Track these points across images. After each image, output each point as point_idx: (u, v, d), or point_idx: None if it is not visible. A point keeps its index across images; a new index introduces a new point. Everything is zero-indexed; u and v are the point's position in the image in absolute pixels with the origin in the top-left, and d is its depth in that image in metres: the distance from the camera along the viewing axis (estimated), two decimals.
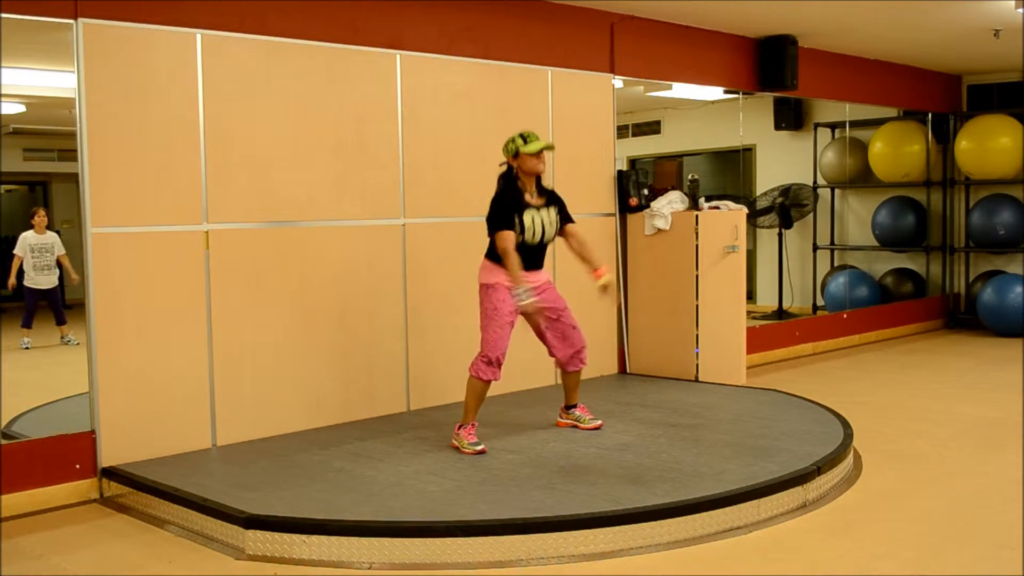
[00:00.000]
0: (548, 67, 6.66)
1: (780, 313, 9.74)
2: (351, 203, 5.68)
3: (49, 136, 5.94)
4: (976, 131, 9.89)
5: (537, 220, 4.98)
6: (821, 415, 5.67)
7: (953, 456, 5.32)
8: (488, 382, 4.92)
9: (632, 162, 8.94)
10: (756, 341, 8.10)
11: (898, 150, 10.26)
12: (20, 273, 6.30)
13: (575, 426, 5.43)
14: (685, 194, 7.09)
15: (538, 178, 5.08)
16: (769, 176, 10.06)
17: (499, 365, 4.91)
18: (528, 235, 4.96)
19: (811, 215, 10.24)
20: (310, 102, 5.49)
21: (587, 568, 3.74)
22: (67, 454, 4.72)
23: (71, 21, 4.64)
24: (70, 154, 4.72)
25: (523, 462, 4.73)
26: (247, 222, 5.27)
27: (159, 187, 4.94)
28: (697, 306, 6.88)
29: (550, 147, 5.03)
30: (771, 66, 8.11)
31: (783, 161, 10.25)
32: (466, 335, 5.87)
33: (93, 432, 4.78)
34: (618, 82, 7.16)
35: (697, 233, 6.86)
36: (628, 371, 7.24)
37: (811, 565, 3.76)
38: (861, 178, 10.45)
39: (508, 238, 4.87)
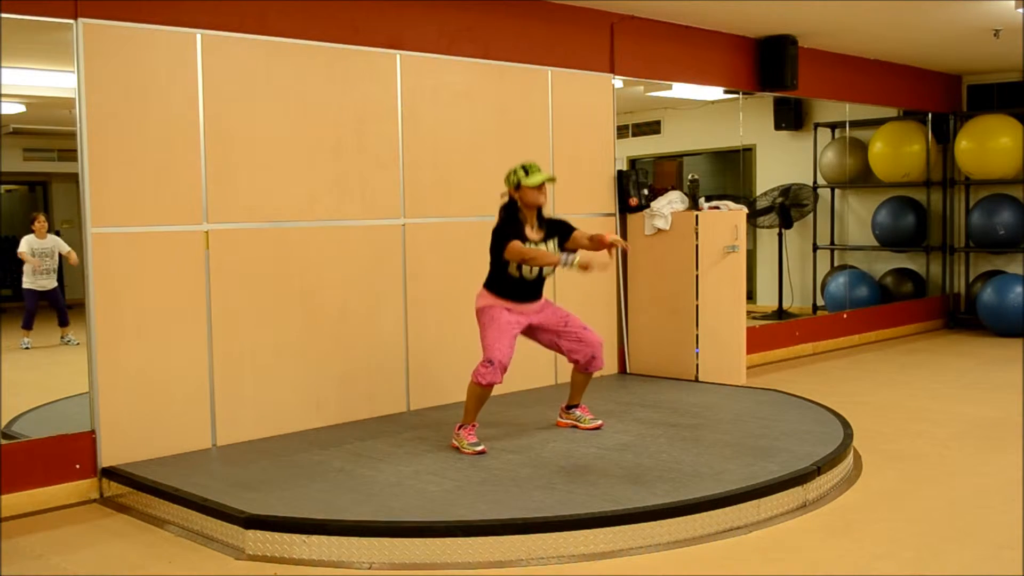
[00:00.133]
0: (548, 67, 6.66)
1: (780, 313, 9.74)
2: (351, 203, 5.68)
3: (49, 136, 5.95)
4: (976, 131, 9.89)
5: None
6: (821, 415, 5.67)
7: (953, 456, 5.32)
8: (488, 386, 4.91)
9: (632, 162, 8.94)
10: (756, 341, 8.10)
11: (898, 150, 10.26)
12: (20, 274, 6.30)
13: (575, 426, 5.43)
14: (685, 194, 7.09)
15: (539, 209, 5.08)
16: (769, 176, 10.06)
17: (502, 369, 4.89)
18: (526, 270, 4.97)
19: (811, 215, 10.25)
20: (310, 102, 5.49)
21: (587, 568, 3.74)
22: (67, 454, 4.72)
23: (71, 21, 4.64)
24: (70, 154, 4.72)
25: (523, 462, 4.73)
26: (247, 222, 5.27)
27: (159, 187, 4.94)
28: (697, 306, 6.88)
29: (551, 179, 5.03)
30: (771, 66, 8.11)
31: (783, 161, 10.25)
32: (466, 335, 5.87)
33: (93, 432, 4.78)
34: (618, 82, 7.16)
35: (697, 233, 6.86)
36: (628, 371, 7.24)
37: (811, 565, 3.76)
38: (861, 178, 10.45)
39: (518, 244, 4.88)
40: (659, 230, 7.01)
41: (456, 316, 6.06)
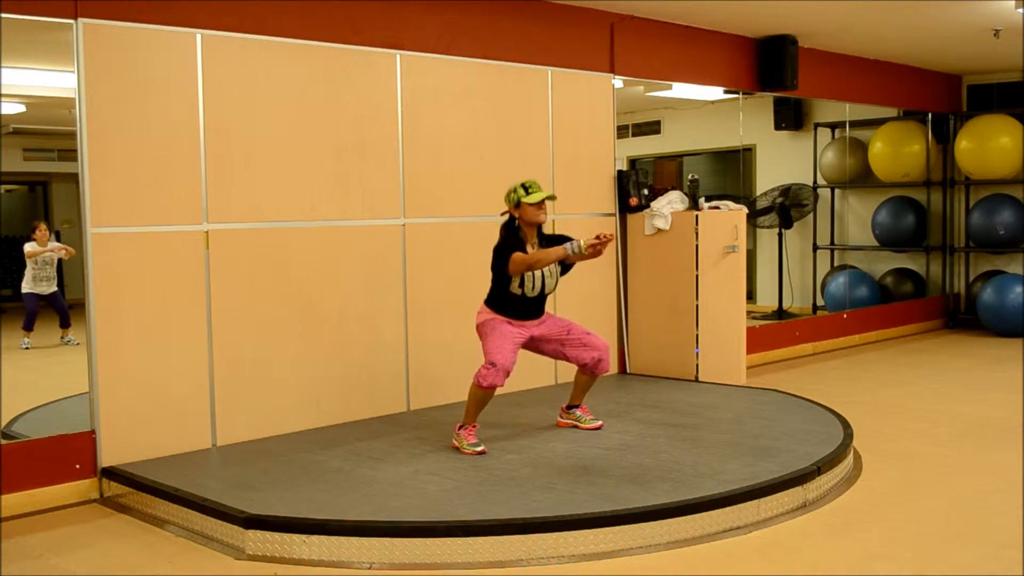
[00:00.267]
0: (548, 67, 6.66)
1: (780, 313, 9.74)
2: (351, 203, 5.68)
3: (49, 136, 5.95)
4: (976, 131, 9.89)
5: (537, 272, 4.99)
6: (821, 415, 5.67)
7: (953, 456, 5.32)
8: (489, 389, 4.90)
9: (632, 162, 8.94)
10: (756, 341, 8.10)
11: (898, 150, 10.26)
12: (20, 274, 6.31)
13: (575, 426, 5.43)
14: (685, 194, 7.09)
15: (539, 228, 5.08)
16: (769, 176, 10.06)
17: (504, 372, 4.88)
18: (528, 287, 4.98)
19: (811, 215, 10.24)
20: (310, 102, 5.49)
21: (587, 568, 3.74)
22: (67, 454, 4.72)
23: (71, 21, 4.64)
24: (70, 154, 4.72)
25: (523, 462, 4.73)
26: (247, 222, 5.27)
27: (159, 187, 4.94)
28: (697, 306, 6.88)
29: (551, 197, 5.03)
30: (771, 66, 8.11)
31: (783, 161, 10.25)
32: (466, 335, 5.87)
33: (93, 432, 4.78)
34: (618, 82, 7.16)
35: (697, 233, 6.86)
36: (628, 371, 7.24)
37: (811, 565, 3.76)
38: (861, 178, 10.45)
39: (521, 255, 4.88)
40: (659, 230, 7.01)
41: (456, 316, 6.06)
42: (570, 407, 5.48)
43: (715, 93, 8.32)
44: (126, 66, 4.82)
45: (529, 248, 5.01)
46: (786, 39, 8.04)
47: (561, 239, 5.13)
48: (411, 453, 4.94)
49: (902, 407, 6.58)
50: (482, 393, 4.92)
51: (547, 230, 5.24)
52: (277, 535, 3.86)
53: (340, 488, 4.36)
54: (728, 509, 4.08)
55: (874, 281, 10.48)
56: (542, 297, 5.09)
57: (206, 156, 5.09)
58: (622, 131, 7.84)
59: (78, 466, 4.75)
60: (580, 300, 6.65)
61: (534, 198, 4.95)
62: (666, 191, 7.20)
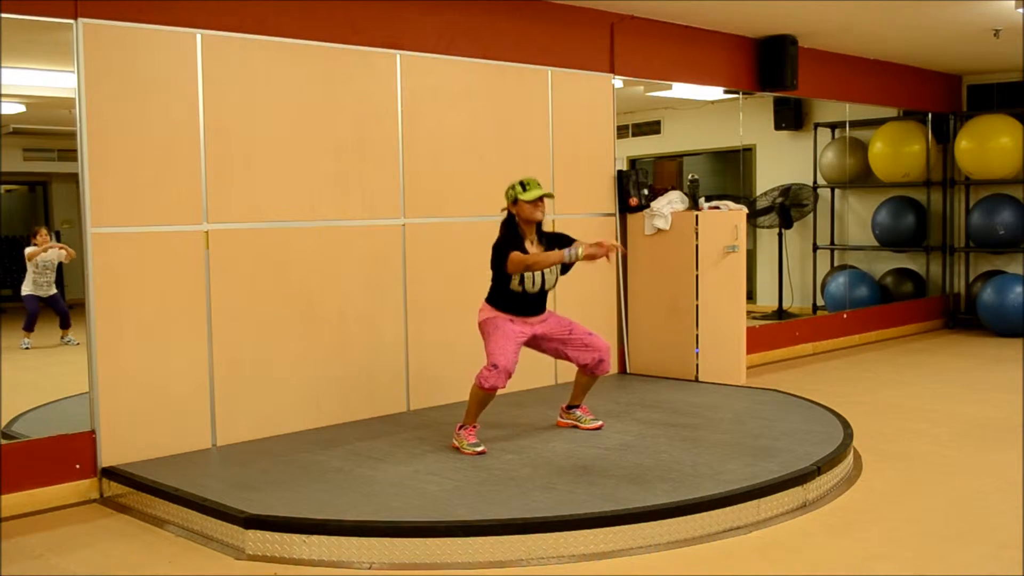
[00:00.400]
0: (548, 67, 6.66)
1: (780, 313, 9.74)
2: (351, 203, 5.68)
3: (49, 136, 5.94)
4: (976, 131, 9.89)
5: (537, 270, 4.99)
6: (821, 415, 5.67)
7: (953, 456, 5.32)
8: (490, 390, 4.90)
9: (632, 162, 8.94)
10: (756, 341, 8.10)
11: (898, 150, 10.26)
12: (20, 274, 6.31)
13: (575, 426, 5.43)
14: (685, 194, 7.09)
15: (538, 225, 5.08)
16: (769, 176, 10.06)
17: (506, 374, 4.87)
18: (528, 284, 4.97)
19: (811, 215, 10.24)
20: (310, 102, 5.49)
21: (587, 568, 3.74)
22: (67, 454, 4.72)
23: (71, 21, 4.64)
24: (70, 154, 4.72)
25: (523, 462, 4.73)
26: (247, 222, 5.27)
27: (159, 187, 4.94)
28: (697, 306, 6.88)
29: (548, 195, 5.01)
30: (771, 66, 8.11)
31: (783, 161, 10.25)
32: (466, 335, 5.87)
33: (93, 432, 4.78)
34: (618, 82, 7.16)
35: (697, 233, 6.86)
36: (628, 371, 7.24)
37: (811, 565, 3.76)
38: (861, 178, 10.45)
39: (519, 255, 4.88)
40: (659, 230, 7.01)
41: (456, 316, 6.06)
42: (570, 407, 5.48)
43: (715, 93, 8.32)
44: (126, 66, 4.82)
45: (528, 245, 5.01)
46: (786, 39, 8.04)
47: (561, 237, 5.13)
48: (411, 453, 4.94)
49: (902, 407, 6.58)
50: (483, 394, 4.92)
51: (547, 229, 5.23)
52: (277, 535, 3.86)
53: (340, 488, 4.36)
54: (728, 509, 4.08)
55: (874, 281, 10.48)
56: (543, 294, 5.09)
57: (206, 156, 5.09)
58: (622, 131, 7.84)
59: (78, 466, 4.75)
60: (580, 300, 6.64)
61: (530, 195, 4.95)
62: (666, 191, 7.20)
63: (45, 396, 5.64)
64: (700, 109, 9.07)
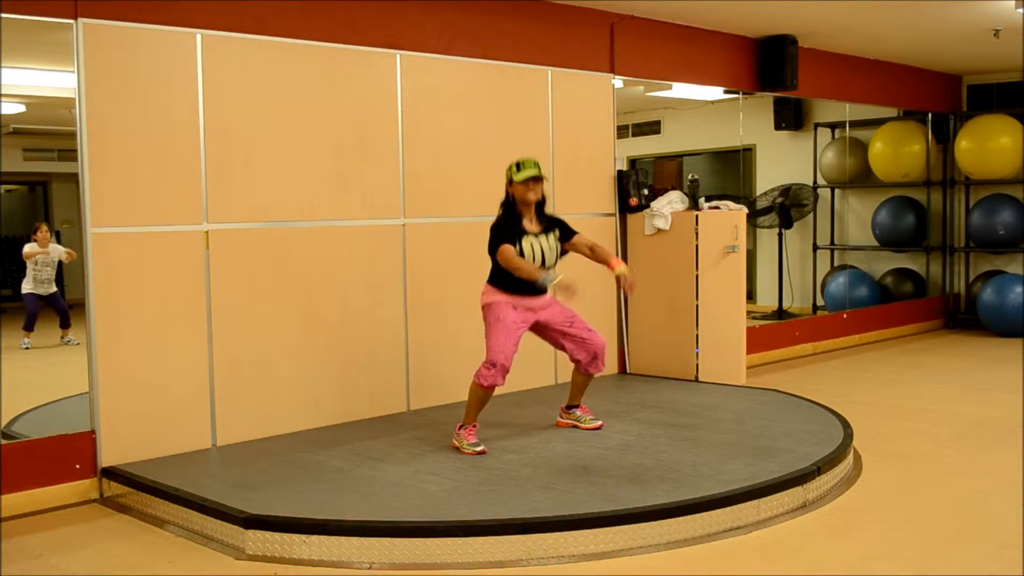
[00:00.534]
0: (548, 67, 6.66)
1: (780, 313, 9.74)
2: (351, 203, 5.68)
3: (49, 136, 5.94)
4: (976, 131, 9.89)
5: (536, 246, 4.98)
6: (821, 415, 5.67)
7: (953, 456, 5.32)
8: (489, 388, 4.91)
9: (632, 162, 8.94)
10: (756, 341, 8.10)
11: (898, 150, 10.26)
12: (20, 274, 6.31)
13: (575, 426, 5.43)
14: (685, 194, 7.09)
15: (539, 205, 5.07)
16: (769, 176, 10.06)
17: (503, 372, 4.89)
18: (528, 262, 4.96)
19: (811, 215, 10.24)
20: (310, 102, 5.50)
21: (587, 568, 3.74)
22: (67, 454, 4.72)
23: (71, 21, 4.64)
24: (70, 154, 4.72)
25: (523, 462, 4.73)
26: (247, 222, 5.27)
27: (159, 187, 4.94)
28: (697, 306, 6.88)
29: (537, 176, 4.95)
30: (771, 66, 8.11)
31: (783, 161, 10.25)
32: (466, 335, 5.88)
33: (93, 432, 4.78)
34: (618, 82, 7.16)
35: (697, 233, 6.86)
36: (628, 371, 7.24)
37: (811, 565, 3.76)
38: (861, 178, 10.45)
39: (509, 249, 4.87)
40: (659, 230, 7.01)
41: (456, 316, 6.07)
42: (569, 407, 5.48)
43: (715, 93, 8.32)
44: (126, 66, 4.82)
45: (527, 223, 4.99)
46: (786, 39, 8.04)
47: (560, 224, 5.13)
48: (411, 453, 4.94)
49: (902, 407, 6.58)
50: (483, 392, 4.92)
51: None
52: (277, 535, 3.86)
53: (340, 488, 4.36)
54: (728, 509, 4.08)
55: (874, 281, 10.48)
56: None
57: (206, 156, 5.09)
58: (622, 131, 7.84)
59: (78, 466, 4.75)
60: (580, 299, 6.63)
61: (521, 176, 4.94)
62: (666, 191, 7.21)
63: (45, 396, 5.64)
64: (700, 109, 9.07)
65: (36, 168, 6.34)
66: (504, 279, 4.98)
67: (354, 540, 3.80)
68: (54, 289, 6.32)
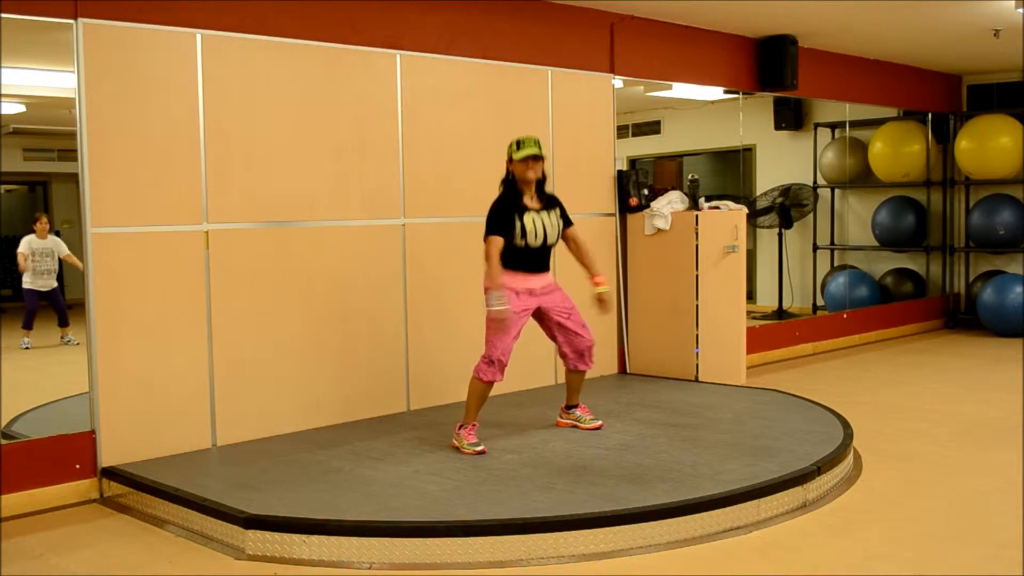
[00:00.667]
0: (548, 67, 6.66)
1: (780, 313, 9.74)
2: (351, 203, 5.68)
3: (49, 136, 5.95)
4: (976, 131, 9.89)
5: (538, 222, 4.98)
6: (821, 415, 5.67)
7: (953, 456, 5.32)
8: (489, 383, 4.92)
9: (632, 162, 8.94)
10: (756, 341, 8.10)
11: (898, 150, 10.26)
12: (20, 274, 6.31)
13: (575, 426, 5.43)
14: (685, 194, 7.09)
15: (540, 182, 5.07)
16: (769, 176, 10.06)
17: (501, 368, 4.90)
18: (530, 238, 4.95)
19: (811, 215, 10.25)
20: (310, 102, 5.50)
21: (587, 568, 3.74)
22: (67, 454, 4.72)
23: (71, 21, 4.64)
24: (70, 154, 4.72)
25: (523, 462, 4.73)
26: (247, 222, 5.27)
27: (159, 187, 4.94)
28: (697, 306, 6.88)
29: (535, 155, 4.95)
30: (771, 66, 8.11)
31: (783, 161, 10.25)
32: (466, 335, 5.88)
33: (93, 432, 4.78)
34: (618, 82, 7.16)
35: (697, 233, 6.86)
36: (628, 371, 7.24)
37: (811, 565, 3.76)
38: (861, 178, 10.45)
39: (495, 243, 4.87)
40: (659, 230, 7.01)
41: (456, 316, 6.06)
42: (569, 407, 5.48)
43: (715, 93, 8.32)
44: (126, 66, 4.82)
45: (527, 201, 4.99)
46: (786, 39, 8.04)
47: (555, 202, 5.13)
48: (411, 453, 4.94)
49: (902, 407, 6.58)
50: (483, 387, 4.93)
51: None
52: (277, 535, 3.86)
53: (340, 488, 4.36)
54: (728, 509, 4.08)
55: (874, 281, 10.48)
56: (545, 248, 5.05)
57: (206, 156, 5.09)
58: (622, 131, 7.84)
59: (78, 466, 4.75)
60: (580, 300, 6.63)
61: (521, 154, 4.94)
62: (666, 191, 7.21)
63: (45, 396, 5.64)
64: (700, 109, 9.07)
65: (36, 168, 6.34)
66: (505, 256, 4.94)
67: (354, 540, 3.80)
68: (54, 284, 6.31)
